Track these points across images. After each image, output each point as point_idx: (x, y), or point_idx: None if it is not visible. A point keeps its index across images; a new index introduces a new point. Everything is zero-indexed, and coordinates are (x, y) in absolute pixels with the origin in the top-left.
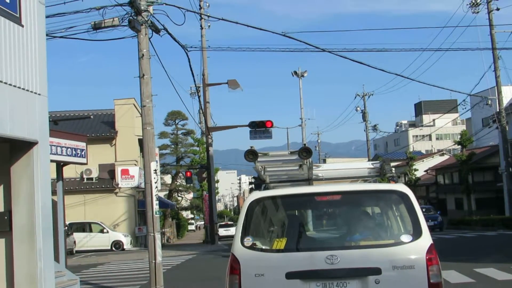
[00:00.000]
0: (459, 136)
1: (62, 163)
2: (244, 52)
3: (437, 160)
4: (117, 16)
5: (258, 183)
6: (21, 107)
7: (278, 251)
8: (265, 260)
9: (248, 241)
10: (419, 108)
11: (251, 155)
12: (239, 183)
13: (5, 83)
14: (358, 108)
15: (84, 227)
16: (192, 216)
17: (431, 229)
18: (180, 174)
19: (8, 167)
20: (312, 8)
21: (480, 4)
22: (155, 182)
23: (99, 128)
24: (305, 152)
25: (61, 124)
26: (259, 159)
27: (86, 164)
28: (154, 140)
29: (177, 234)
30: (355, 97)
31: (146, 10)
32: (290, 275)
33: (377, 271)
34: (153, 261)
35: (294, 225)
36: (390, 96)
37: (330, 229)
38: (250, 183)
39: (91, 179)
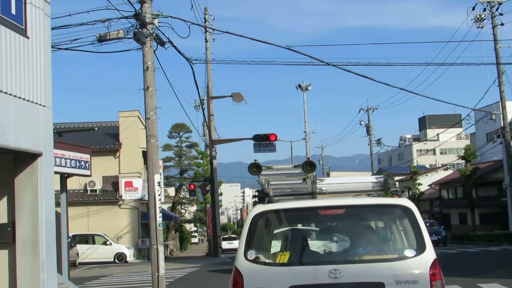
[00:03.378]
0: (463, 151)
1: (66, 175)
2: (249, 65)
3: (441, 174)
4: (122, 28)
5: (262, 197)
6: (25, 118)
7: (282, 264)
8: (268, 273)
9: (252, 254)
10: (423, 123)
11: (255, 168)
12: (243, 196)
13: (10, 94)
14: (362, 122)
15: (87, 239)
16: (196, 228)
17: (435, 243)
18: (184, 187)
19: (12, 179)
20: (316, 22)
21: (484, 19)
22: (159, 195)
23: (103, 140)
24: (309, 165)
25: (65, 136)
26: (262, 173)
27: (90, 176)
28: (158, 152)
29: (180, 247)
30: (359, 111)
31: (151, 22)
32: None
33: (380, 285)
34: (156, 274)
35: (298, 239)
36: (394, 110)
37: (333, 243)
38: (254, 196)
39: (95, 191)
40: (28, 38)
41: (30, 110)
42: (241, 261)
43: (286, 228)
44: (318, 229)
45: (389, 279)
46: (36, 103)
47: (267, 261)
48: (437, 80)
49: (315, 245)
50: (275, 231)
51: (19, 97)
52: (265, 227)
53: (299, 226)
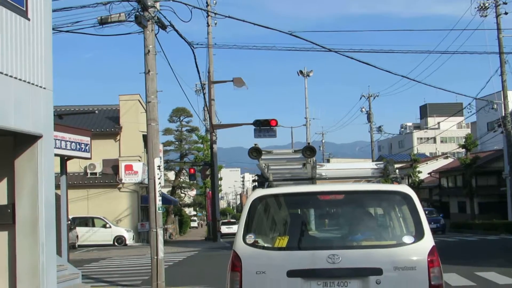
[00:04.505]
0: (463, 140)
1: (66, 157)
2: (250, 50)
3: (441, 163)
4: (123, 11)
5: (261, 181)
6: (26, 100)
7: (280, 249)
8: (267, 257)
9: (250, 238)
10: (424, 111)
11: (255, 152)
12: (243, 181)
13: (11, 76)
14: (363, 109)
15: (87, 221)
16: (195, 213)
17: (433, 231)
18: (184, 171)
19: (12, 161)
20: (318, 9)
21: (488, 8)
22: (159, 178)
23: (103, 123)
24: (309, 150)
25: (65, 119)
26: (263, 157)
27: (90, 158)
28: (159, 136)
29: (180, 231)
30: (361, 98)
31: (153, 6)
32: (291, 273)
33: (378, 271)
34: (155, 257)
35: (297, 224)
36: (395, 97)
37: (332, 229)
38: (254, 181)
39: (95, 174)
40: (29, 20)
41: (30, 92)
42: (240, 245)
43: (285, 213)
44: (317, 214)
45: (387, 265)
46: (36, 85)
47: (265, 245)
48: (439, 68)
49: (314, 230)
50: (274, 216)
51: (20, 79)
52: (264, 211)
53: (298, 211)
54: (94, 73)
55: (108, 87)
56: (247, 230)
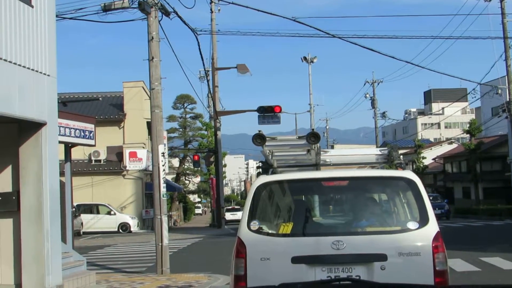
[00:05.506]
0: (468, 125)
1: (70, 145)
2: (254, 36)
3: (445, 148)
4: None
5: (266, 168)
6: (30, 88)
7: (284, 235)
8: (271, 244)
9: (255, 225)
10: (429, 96)
11: (259, 139)
12: (247, 167)
13: (15, 63)
14: (367, 95)
15: (91, 208)
16: (199, 199)
17: (438, 217)
18: (188, 158)
19: (17, 148)
20: None
21: None
22: (163, 165)
23: (107, 110)
24: (313, 137)
25: (69, 106)
26: (267, 143)
27: (94, 146)
28: (162, 123)
29: (184, 218)
30: (364, 84)
31: None
32: (295, 260)
33: (383, 257)
34: (160, 244)
35: (301, 210)
36: (399, 83)
37: (336, 215)
38: (258, 167)
39: (99, 161)
40: (32, 7)
41: (34, 79)
42: (244, 231)
43: (290, 199)
44: (321, 200)
45: (391, 251)
46: (40, 73)
47: (270, 231)
48: (443, 54)
49: (318, 216)
50: (279, 202)
51: (24, 66)
52: (268, 197)
53: (303, 197)
54: (98, 60)
55: (112, 74)
56: (251, 217)
